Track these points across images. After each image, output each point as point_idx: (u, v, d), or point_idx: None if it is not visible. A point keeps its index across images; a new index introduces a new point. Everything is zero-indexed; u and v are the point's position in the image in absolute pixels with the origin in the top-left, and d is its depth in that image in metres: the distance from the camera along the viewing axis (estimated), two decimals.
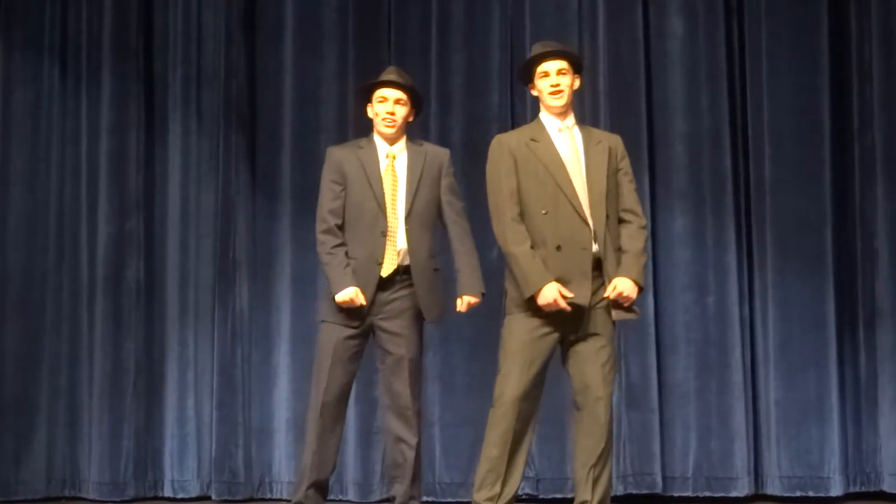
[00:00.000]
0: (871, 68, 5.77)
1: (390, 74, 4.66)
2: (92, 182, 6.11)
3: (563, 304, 4.19)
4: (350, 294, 4.44)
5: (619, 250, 4.32)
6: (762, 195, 5.80)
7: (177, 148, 6.12)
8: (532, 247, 4.25)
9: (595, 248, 4.26)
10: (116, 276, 6.04)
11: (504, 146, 4.39)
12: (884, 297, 5.67)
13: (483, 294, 4.57)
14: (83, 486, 5.99)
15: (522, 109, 5.80)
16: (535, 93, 4.46)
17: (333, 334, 4.51)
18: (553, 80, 4.37)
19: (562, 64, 4.39)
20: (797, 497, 5.62)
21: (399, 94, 4.61)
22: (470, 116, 6.00)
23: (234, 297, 5.98)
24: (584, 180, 4.29)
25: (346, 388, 4.57)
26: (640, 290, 4.30)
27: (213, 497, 5.89)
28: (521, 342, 4.27)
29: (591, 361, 4.27)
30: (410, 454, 4.53)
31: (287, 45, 6.09)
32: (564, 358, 4.36)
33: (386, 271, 4.49)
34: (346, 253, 4.50)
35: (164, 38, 6.18)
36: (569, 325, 4.27)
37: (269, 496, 5.89)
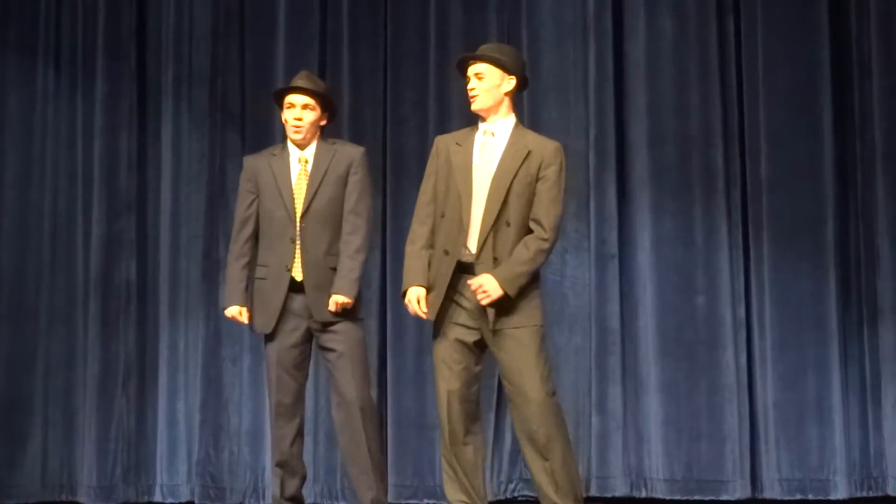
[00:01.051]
0: (871, 63, 5.73)
1: (298, 80, 4.65)
2: (87, 183, 6.09)
3: (417, 309, 4.25)
4: (233, 312, 4.61)
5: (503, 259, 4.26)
6: (759, 194, 5.74)
7: (168, 148, 6.09)
8: (431, 247, 4.29)
9: (467, 256, 4.23)
10: (108, 277, 6.02)
11: (435, 146, 4.45)
12: (885, 296, 5.61)
13: (357, 297, 4.53)
14: (78, 489, 5.96)
15: (520, 115, 5.75)
16: None
17: (273, 348, 4.58)
18: (470, 85, 4.35)
19: (480, 67, 4.32)
20: (797, 500, 5.57)
21: (307, 99, 4.60)
22: (468, 122, 5.91)
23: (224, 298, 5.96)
24: (485, 187, 4.25)
25: (298, 397, 4.63)
26: (506, 294, 4.15)
27: (203, 502, 5.85)
28: (442, 345, 4.29)
29: (514, 354, 4.20)
30: (362, 449, 4.52)
31: (279, 44, 6.06)
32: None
33: (299, 275, 4.52)
34: (248, 263, 4.61)
35: (156, 38, 6.16)
36: (472, 322, 4.23)
37: (260, 501, 5.83)
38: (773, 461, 5.60)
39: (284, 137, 4.72)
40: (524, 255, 4.21)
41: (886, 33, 5.73)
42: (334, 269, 4.53)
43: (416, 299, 4.26)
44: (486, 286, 4.16)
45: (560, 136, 5.63)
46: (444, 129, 5.93)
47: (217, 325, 5.92)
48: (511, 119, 4.38)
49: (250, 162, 4.73)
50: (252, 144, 5.97)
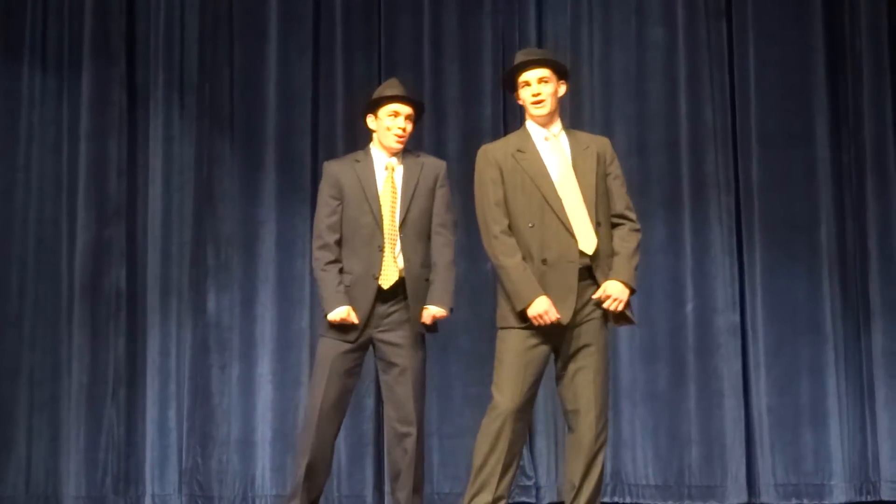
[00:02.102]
0: (863, 66, 5.79)
1: (398, 89, 4.61)
2: (72, 190, 6.02)
3: (553, 317, 4.16)
4: (342, 313, 4.44)
5: (612, 255, 4.26)
6: (751, 198, 5.79)
7: (158, 154, 6.03)
8: (522, 259, 4.23)
9: (583, 260, 4.21)
10: (97, 284, 5.95)
11: (490, 157, 4.34)
12: (877, 299, 5.67)
13: (452, 309, 4.51)
14: (64, 500, 5.87)
15: (515, 121, 5.77)
16: (520, 101, 4.42)
17: (332, 349, 4.49)
18: (534, 90, 4.32)
19: (543, 72, 4.33)
20: None
21: (409, 109, 4.59)
22: (463, 128, 5.97)
23: (218, 305, 5.91)
24: (573, 189, 4.25)
25: (343, 402, 4.54)
26: (633, 291, 4.24)
27: None
28: (516, 355, 4.22)
29: (582, 377, 4.21)
30: (412, 465, 4.49)
31: (270, 50, 6.04)
32: (558, 373, 4.30)
33: (387, 284, 4.47)
34: (341, 269, 4.49)
35: (145, 44, 6.11)
36: (561, 336, 4.22)
37: None
38: (769, 466, 5.64)
39: (367, 143, 4.65)
40: (629, 248, 4.26)
41: (878, 37, 5.81)
42: (427, 281, 4.51)
43: (551, 307, 4.16)
44: (614, 293, 4.18)
45: None
46: (438, 136, 5.95)
47: (206, 333, 5.87)
48: (559, 122, 4.40)
49: (333, 167, 4.63)
50: (243, 150, 5.94)
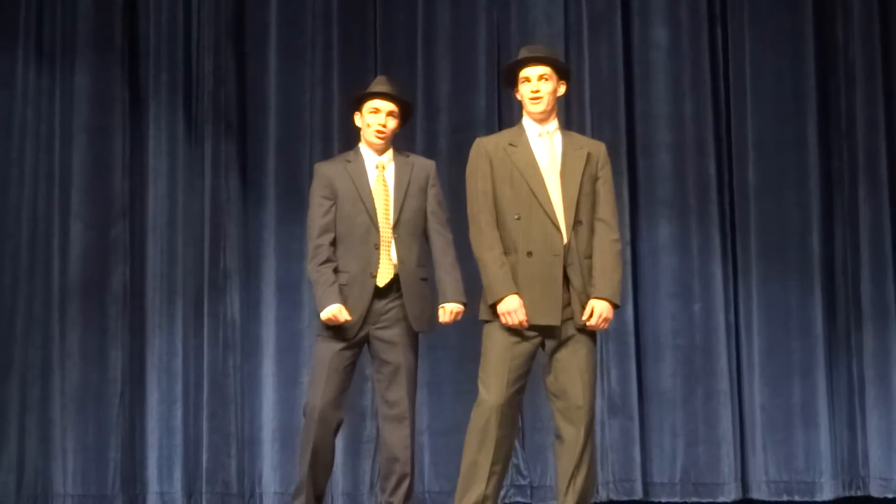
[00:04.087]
0: (855, 72, 5.86)
1: (383, 85, 4.62)
2: (65, 186, 6.00)
3: (520, 318, 4.17)
4: (333, 311, 4.44)
5: (588, 258, 4.27)
6: (746, 202, 5.85)
7: (163, 155, 6.02)
8: (505, 252, 4.23)
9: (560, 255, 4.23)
10: (100, 283, 5.93)
11: (482, 149, 4.36)
12: (868, 301, 5.74)
13: (465, 304, 4.54)
14: (55, 499, 5.85)
15: (509, 115, 5.79)
16: (518, 97, 4.43)
17: (328, 347, 4.50)
18: (534, 86, 4.33)
19: (544, 70, 4.34)
20: (784, 501, 5.68)
21: (392, 106, 4.59)
22: (456, 123, 5.99)
23: (223, 306, 5.91)
24: (559, 185, 4.27)
25: (342, 399, 4.54)
26: (616, 307, 4.24)
27: None
28: (501, 348, 4.23)
29: (570, 370, 4.21)
30: (406, 465, 4.50)
31: (273, 51, 6.04)
32: (546, 367, 4.31)
33: (382, 282, 4.48)
34: (336, 269, 4.50)
35: (147, 44, 6.08)
36: (548, 329, 4.22)
37: None
38: (761, 463, 5.71)
39: (356, 142, 4.66)
40: (609, 262, 4.24)
41: (870, 42, 5.88)
42: (424, 280, 4.53)
43: (520, 307, 4.18)
44: (604, 312, 4.19)
45: None
46: (430, 131, 5.97)
47: (211, 333, 5.88)
48: (556, 121, 4.41)
49: (324, 168, 4.64)
50: (248, 152, 5.96)
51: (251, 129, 6.03)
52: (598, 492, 5.67)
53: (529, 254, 4.21)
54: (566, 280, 4.22)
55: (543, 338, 4.24)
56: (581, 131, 5.85)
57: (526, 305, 4.18)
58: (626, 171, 5.88)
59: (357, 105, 4.62)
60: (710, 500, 5.68)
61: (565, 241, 4.21)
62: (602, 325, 4.21)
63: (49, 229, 6.00)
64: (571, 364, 4.21)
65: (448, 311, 4.50)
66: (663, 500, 5.71)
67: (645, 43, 5.97)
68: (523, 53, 4.42)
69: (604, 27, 5.97)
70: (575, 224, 4.23)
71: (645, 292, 5.82)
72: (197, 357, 5.90)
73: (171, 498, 5.83)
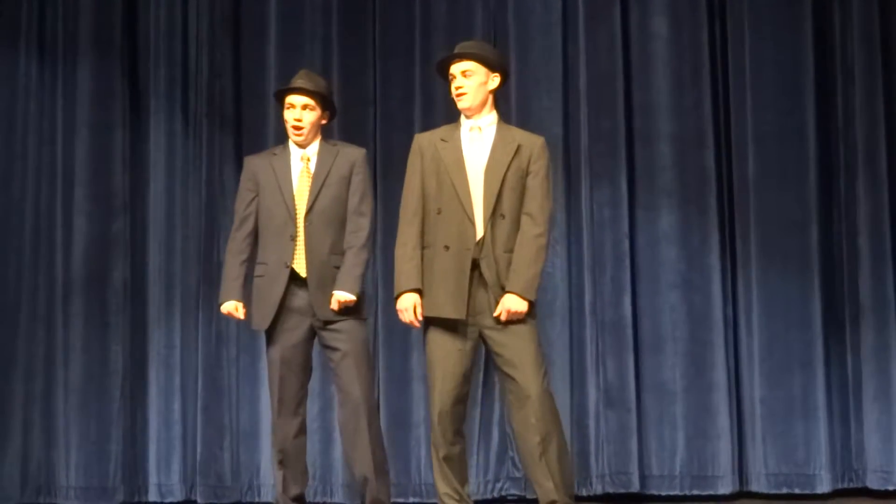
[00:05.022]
0: (853, 66, 5.81)
1: (298, 80, 4.67)
2: (68, 181, 6.05)
3: (410, 318, 4.24)
4: (229, 307, 4.61)
5: (510, 251, 4.27)
6: (745, 195, 5.81)
7: (161, 149, 6.06)
8: (426, 246, 4.29)
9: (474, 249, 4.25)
10: (102, 277, 5.98)
11: (416, 145, 4.44)
12: (867, 295, 5.70)
13: (360, 294, 4.54)
14: (59, 491, 5.92)
15: (506, 109, 5.77)
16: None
17: (276, 346, 4.56)
18: (457, 83, 4.37)
19: (467, 65, 4.36)
20: (783, 494, 5.65)
21: (306, 99, 4.61)
22: (454, 116, 5.93)
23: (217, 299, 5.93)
24: (482, 180, 4.28)
25: (301, 393, 4.62)
26: (530, 302, 4.23)
27: (199, 501, 5.84)
28: (438, 348, 4.28)
29: (513, 348, 4.22)
30: (366, 449, 4.52)
31: (271, 45, 6.05)
32: (489, 353, 4.35)
33: (302, 271, 4.52)
34: (244, 261, 4.62)
35: (147, 40, 6.12)
36: (479, 316, 4.24)
37: (256, 500, 5.84)
38: (760, 456, 5.69)
39: (286, 137, 4.71)
40: (527, 256, 4.25)
41: (868, 37, 5.82)
42: (338, 268, 4.54)
43: (413, 307, 4.26)
44: (512, 307, 4.20)
45: (552, 127, 5.74)
46: (427, 125, 5.93)
47: (210, 327, 5.91)
48: (494, 115, 4.43)
49: (251, 161, 4.75)
50: (246, 145, 5.96)
51: (248, 123, 6.05)
52: (592, 484, 5.69)
53: (446, 247, 4.25)
54: (480, 274, 4.23)
55: (480, 323, 4.26)
56: (578, 122, 5.89)
57: (438, 298, 4.22)
58: (625, 163, 5.85)
59: (281, 102, 4.69)
60: (709, 492, 5.66)
61: (480, 235, 4.24)
62: (511, 317, 4.21)
63: (52, 224, 6.07)
64: (512, 344, 4.22)
65: (335, 299, 4.51)
66: (661, 492, 5.70)
67: (644, 33, 5.93)
68: (449, 52, 4.46)
69: (602, 17, 5.93)
70: (493, 218, 4.24)
71: (643, 284, 5.80)
72: (194, 350, 5.95)
73: (170, 489, 5.89)
